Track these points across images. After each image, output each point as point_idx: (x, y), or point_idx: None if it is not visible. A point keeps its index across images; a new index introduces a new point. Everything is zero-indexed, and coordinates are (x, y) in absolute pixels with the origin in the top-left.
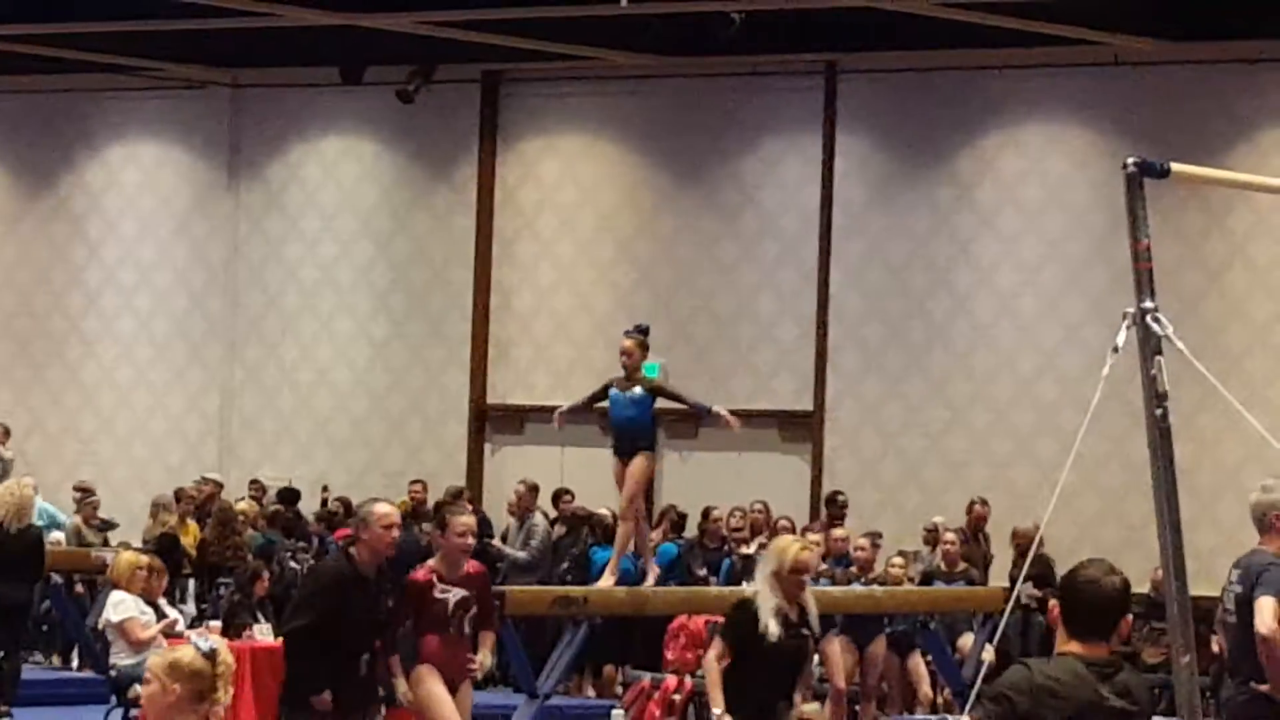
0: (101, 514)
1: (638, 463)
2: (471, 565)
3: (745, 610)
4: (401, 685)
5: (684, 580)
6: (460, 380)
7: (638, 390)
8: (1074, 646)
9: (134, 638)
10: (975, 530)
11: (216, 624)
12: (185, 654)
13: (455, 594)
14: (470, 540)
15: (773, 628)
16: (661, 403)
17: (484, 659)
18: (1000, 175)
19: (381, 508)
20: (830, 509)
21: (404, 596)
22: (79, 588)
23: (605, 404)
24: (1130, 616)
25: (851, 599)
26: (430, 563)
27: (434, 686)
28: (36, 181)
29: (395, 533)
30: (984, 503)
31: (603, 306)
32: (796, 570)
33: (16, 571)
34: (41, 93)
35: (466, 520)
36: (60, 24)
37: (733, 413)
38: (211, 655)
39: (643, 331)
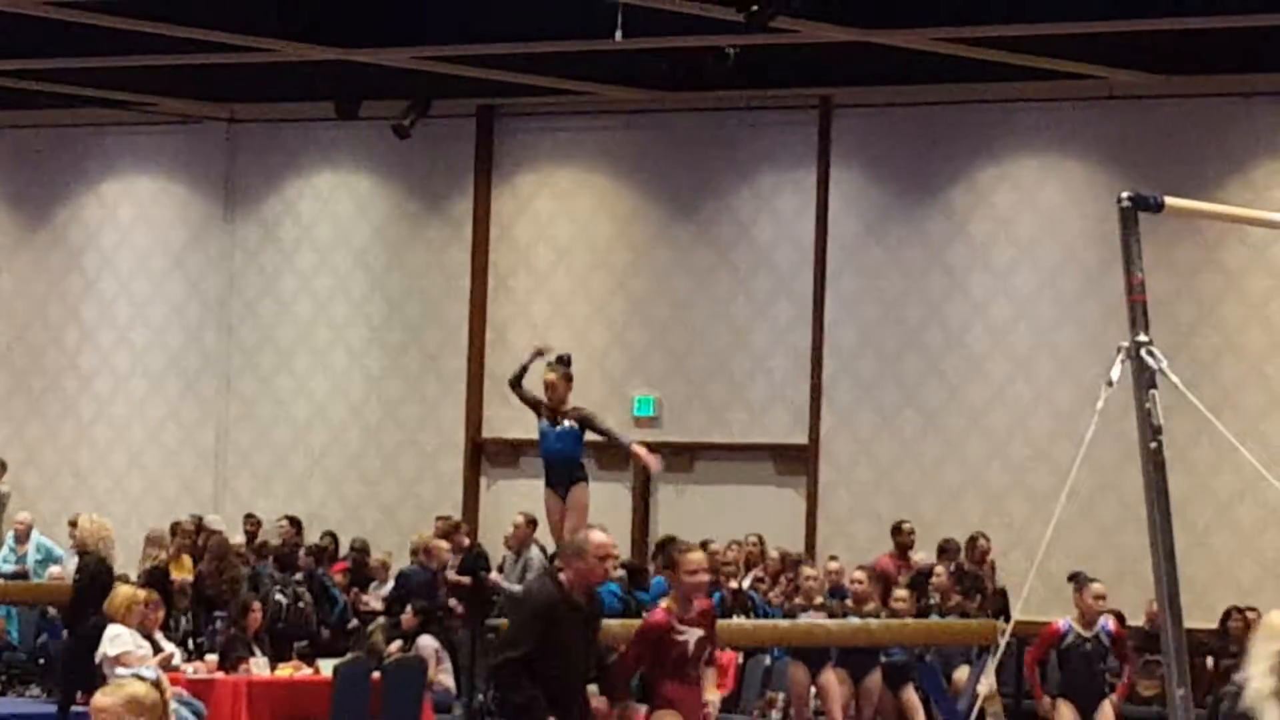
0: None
1: (578, 494)
2: (702, 602)
3: (1226, 691)
4: None
5: None
6: (456, 414)
7: (566, 424)
8: None
9: None
10: (979, 564)
11: (213, 658)
12: (139, 688)
13: (694, 634)
14: (703, 577)
15: (1272, 713)
16: (663, 436)
17: (715, 698)
18: (994, 209)
19: (597, 536)
20: (897, 538)
21: (639, 639)
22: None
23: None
24: None
25: (847, 632)
26: (664, 603)
27: None
28: (33, 216)
29: (610, 563)
30: (985, 537)
31: (598, 340)
32: None
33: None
34: (38, 127)
35: (697, 557)
36: (56, 59)
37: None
38: (159, 684)
39: (564, 363)
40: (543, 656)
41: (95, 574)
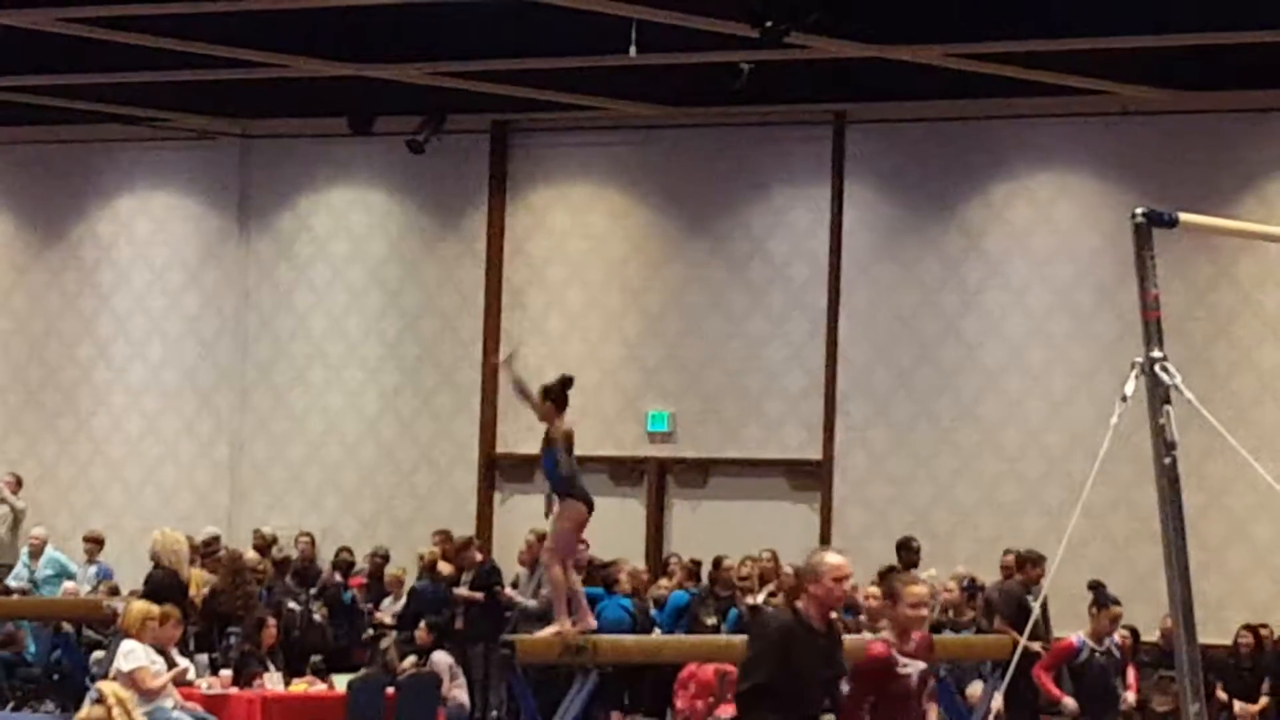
0: (111, 563)
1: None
2: (920, 634)
3: None
4: None
5: (691, 629)
6: (470, 429)
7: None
8: None
9: (145, 687)
10: (1031, 582)
11: (227, 673)
12: (81, 712)
13: (915, 668)
14: (924, 611)
15: None
16: (677, 452)
17: None
18: (1009, 224)
19: (833, 559)
20: (904, 555)
21: (862, 675)
22: None
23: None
24: None
25: (861, 647)
26: (884, 635)
27: None
28: (47, 231)
29: (848, 585)
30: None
31: (612, 356)
32: None
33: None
34: (52, 143)
35: (920, 590)
36: (70, 75)
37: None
38: (100, 698)
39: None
40: (781, 684)
41: (164, 586)
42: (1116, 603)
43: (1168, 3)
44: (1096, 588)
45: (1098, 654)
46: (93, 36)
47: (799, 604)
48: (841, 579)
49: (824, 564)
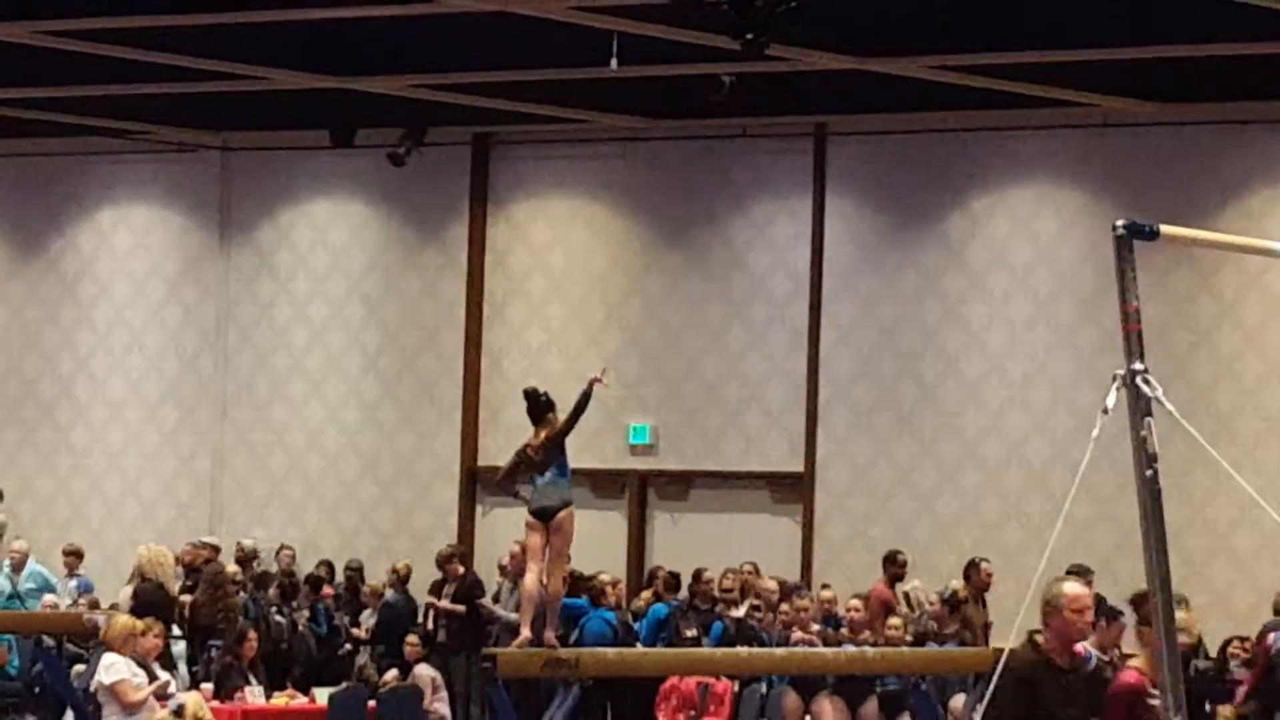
0: (91, 576)
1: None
2: None
3: None
4: None
5: (672, 642)
6: (451, 442)
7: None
8: None
9: (126, 700)
10: (979, 593)
11: (208, 687)
12: (156, 717)
13: None
14: (1185, 638)
15: None
16: (658, 464)
17: None
18: (989, 236)
19: (1071, 588)
20: (890, 568)
21: (1114, 704)
22: None
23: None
24: None
25: (843, 660)
26: (1135, 663)
27: None
28: (27, 244)
29: (1089, 615)
30: (985, 560)
31: (593, 368)
32: None
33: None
34: (32, 155)
35: (1187, 616)
36: (50, 88)
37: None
38: (180, 711)
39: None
40: None
41: (152, 599)
42: (1121, 614)
43: (1148, 14)
44: (1098, 601)
45: (1106, 665)
46: (71, 49)
47: (1040, 639)
48: (1081, 610)
49: (1061, 595)
